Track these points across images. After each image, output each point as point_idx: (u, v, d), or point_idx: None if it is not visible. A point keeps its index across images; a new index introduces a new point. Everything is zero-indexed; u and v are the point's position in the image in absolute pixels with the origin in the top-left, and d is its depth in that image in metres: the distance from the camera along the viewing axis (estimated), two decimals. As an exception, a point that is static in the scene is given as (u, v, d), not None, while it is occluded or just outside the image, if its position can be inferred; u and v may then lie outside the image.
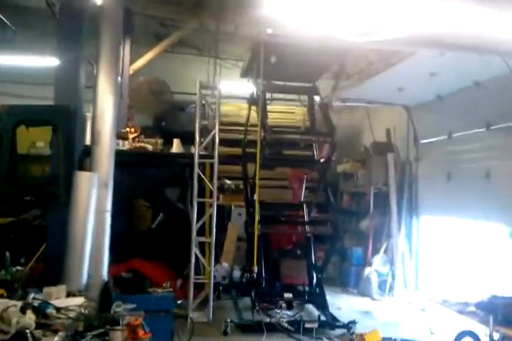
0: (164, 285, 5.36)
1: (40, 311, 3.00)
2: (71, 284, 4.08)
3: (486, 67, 6.44)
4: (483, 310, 4.18)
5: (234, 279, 8.26)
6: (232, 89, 9.73)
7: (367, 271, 8.74)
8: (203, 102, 8.54)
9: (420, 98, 8.74)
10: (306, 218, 7.81)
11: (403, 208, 9.17)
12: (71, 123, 4.65)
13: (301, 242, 7.81)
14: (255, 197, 6.67)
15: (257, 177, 6.65)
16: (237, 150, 11.13)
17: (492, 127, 7.03)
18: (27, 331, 2.63)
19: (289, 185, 10.03)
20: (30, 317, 2.80)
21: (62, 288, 3.63)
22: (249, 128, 11.05)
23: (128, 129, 8.22)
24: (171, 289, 5.34)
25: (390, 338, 5.92)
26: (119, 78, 9.06)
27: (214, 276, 8.05)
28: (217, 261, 8.23)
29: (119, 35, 5.07)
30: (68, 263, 4.25)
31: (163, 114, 10.76)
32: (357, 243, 9.78)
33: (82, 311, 3.30)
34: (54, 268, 4.32)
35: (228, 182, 9.90)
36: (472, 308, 4.37)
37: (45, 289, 3.53)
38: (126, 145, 7.67)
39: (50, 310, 3.09)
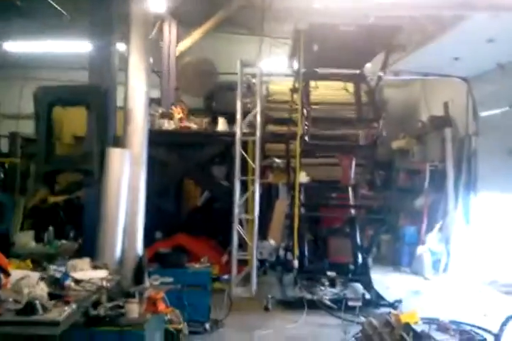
0: (202, 260, 5.44)
1: (58, 283, 3.13)
2: (105, 258, 4.22)
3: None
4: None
5: (280, 256, 8.25)
6: (282, 68, 9.55)
7: (420, 249, 8.42)
8: (250, 81, 8.49)
9: (479, 68, 8.15)
10: (352, 201, 7.56)
11: (460, 185, 8.69)
12: (103, 103, 4.76)
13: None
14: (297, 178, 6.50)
15: (297, 159, 6.44)
16: (287, 129, 11.07)
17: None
18: (36, 301, 2.74)
19: (338, 162, 9.79)
20: (42, 289, 2.93)
21: (86, 261, 3.76)
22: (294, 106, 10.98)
23: (174, 109, 8.36)
24: (209, 264, 5.41)
25: (438, 319, 5.70)
26: (167, 60, 9.32)
27: (261, 253, 8.12)
28: (264, 238, 8.28)
29: (149, 13, 5.06)
30: (102, 239, 4.40)
31: (212, 94, 10.83)
32: (411, 221, 9.42)
33: (104, 284, 3.39)
34: (90, 242, 4.50)
35: (277, 160, 9.82)
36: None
37: (70, 261, 3.68)
38: (172, 125, 7.78)
39: (69, 282, 3.21)
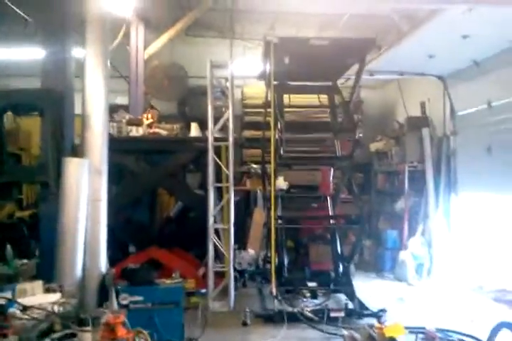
0: (174, 275, 5.09)
1: (1, 311, 2.76)
2: (64, 279, 3.85)
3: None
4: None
5: (260, 266, 7.93)
6: (256, 71, 9.30)
7: (402, 254, 8.19)
8: (223, 84, 8.17)
9: (454, 65, 8.00)
10: (331, 211, 7.31)
11: (440, 186, 8.51)
12: (58, 108, 4.41)
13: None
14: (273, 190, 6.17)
15: (272, 176, 6.15)
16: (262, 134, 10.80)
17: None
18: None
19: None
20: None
21: (38, 284, 3.39)
22: (269, 110, 10.71)
23: (143, 115, 8.00)
24: (181, 279, 5.05)
25: (424, 328, 5.46)
26: (135, 64, 8.97)
27: (240, 263, 7.79)
28: (244, 247, 7.96)
29: (106, 16, 4.74)
30: (60, 256, 4.03)
31: (185, 99, 10.51)
32: (392, 225, 9.21)
33: (56, 309, 3.03)
34: (48, 261, 4.12)
35: (255, 166, 9.54)
36: (511, 296, 3.82)
37: (19, 285, 3.30)
38: (140, 132, 7.42)
39: (13, 310, 2.84)
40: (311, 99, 9.41)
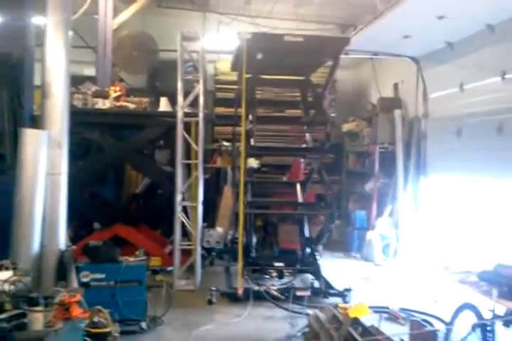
0: (137, 253, 4.96)
1: None
2: (19, 255, 3.68)
3: (499, 7, 5.67)
4: (487, 280, 3.66)
5: (228, 245, 7.86)
6: (231, 45, 9.07)
7: (370, 234, 8.25)
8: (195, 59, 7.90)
9: (429, 47, 7.94)
10: (300, 198, 7.24)
11: (410, 168, 8.55)
12: (17, 74, 4.13)
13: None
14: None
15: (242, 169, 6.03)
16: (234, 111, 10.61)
17: (507, 76, 6.28)
18: None
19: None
20: None
21: (-12, 261, 3.22)
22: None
23: (111, 88, 7.70)
24: (145, 257, 4.93)
25: (387, 307, 5.52)
26: (103, 34, 8.58)
27: (208, 241, 7.70)
28: (212, 225, 7.87)
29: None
30: (15, 232, 3.83)
31: (156, 73, 10.18)
32: (361, 206, 9.27)
33: (6, 288, 2.87)
34: (3, 237, 3.92)
35: (226, 144, 9.38)
36: (475, 278, 3.86)
37: (-33, 262, 3.12)
38: (106, 105, 7.14)
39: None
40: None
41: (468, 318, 3.67)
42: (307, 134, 7.41)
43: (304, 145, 7.62)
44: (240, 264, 5.73)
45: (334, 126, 9.89)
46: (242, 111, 5.98)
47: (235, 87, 10.30)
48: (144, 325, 4.77)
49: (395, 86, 9.45)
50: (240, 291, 5.61)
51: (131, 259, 4.81)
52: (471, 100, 7.12)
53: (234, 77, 10.45)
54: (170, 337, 4.74)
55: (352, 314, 3.47)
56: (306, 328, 4.43)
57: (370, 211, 8.75)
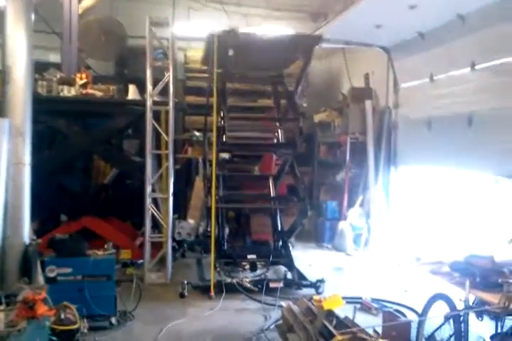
0: (106, 246, 4.79)
1: None
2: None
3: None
4: (459, 271, 3.67)
5: (200, 236, 7.75)
6: (201, 32, 8.86)
7: (341, 224, 8.28)
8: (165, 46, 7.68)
9: (400, 37, 7.91)
10: (272, 192, 7.16)
11: (381, 158, 8.59)
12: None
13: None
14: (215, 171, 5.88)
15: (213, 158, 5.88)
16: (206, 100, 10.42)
17: (477, 66, 6.33)
18: None
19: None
20: None
21: None
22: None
23: (78, 75, 7.41)
24: (114, 250, 4.77)
25: (360, 298, 5.54)
26: (68, 19, 8.23)
27: (179, 233, 7.57)
28: (184, 217, 7.74)
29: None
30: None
31: (124, 60, 9.88)
32: (332, 196, 9.28)
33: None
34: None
35: (197, 134, 9.20)
36: (447, 268, 3.87)
37: None
38: (72, 92, 6.86)
39: None
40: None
41: (440, 309, 3.68)
42: (279, 130, 7.27)
43: (275, 141, 7.46)
44: (212, 257, 5.63)
45: (306, 117, 9.87)
46: (214, 107, 5.84)
47: (206, 75, 10.29)
48: (113, 320, 4.64)
49: (366, 76, 9.44)
50: (212, 293, 5.52)
51: (100, 253, 4.65)
52: (441, 91, 7.16)
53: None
54: (141, 332, 4.62)
55: (326, 306, 3.43)
56: (280, 320, 4.38)
57: (341, 201, 8.78)
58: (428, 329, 3.89)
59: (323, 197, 9.51)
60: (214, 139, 5.89)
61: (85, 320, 3.99)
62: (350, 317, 3.86)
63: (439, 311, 3.73)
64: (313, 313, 3.58)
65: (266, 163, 8.39)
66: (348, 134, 8.88)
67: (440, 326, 3.59)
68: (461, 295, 3.49)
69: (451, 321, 3.39)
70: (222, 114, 6.33)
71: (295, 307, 3.83)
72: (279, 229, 6.79)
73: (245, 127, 8.26)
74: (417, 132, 7.76)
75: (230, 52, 5.87)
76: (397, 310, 5.03)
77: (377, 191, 8.41)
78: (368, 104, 8.89)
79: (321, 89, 11.13)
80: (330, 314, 3.46)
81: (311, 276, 6.18)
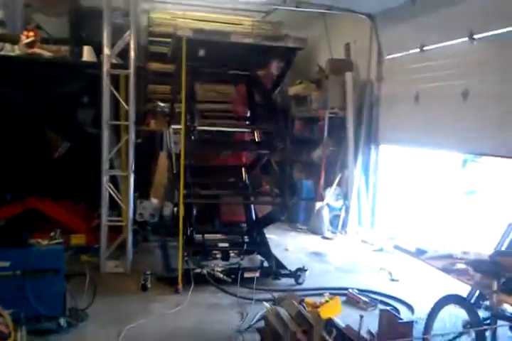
0: (52, 234, 4.00)
1: None
2: None
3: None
4: (484, 272, 3.08)
5: (164, 217, 7.01)
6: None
7: (318, 205, 7.71)
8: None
9: (387, 3, 7.23)
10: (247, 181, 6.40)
11: (361, 136, 8.00)
12: None
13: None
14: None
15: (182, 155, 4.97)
16: (172, 68, 9.52)
17: (476, 36, 5.74)
18: None
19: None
20: None
21: None
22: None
23: (25, 33, 6.40)
24: (61, 239, 3.98)
25: (345, 288, 5.01)
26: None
27: (141, 214, 6.82)
28: (145, 196, 6.97)
29: None
30: None
31: (81, 20, 8.80)
32: (308, 175, 8.68)
33: None
34: None
35: (161, 104, 8.36)
36: (461, 265, 3.32)
37: None
38: (16, 51, 5.88)
39: None
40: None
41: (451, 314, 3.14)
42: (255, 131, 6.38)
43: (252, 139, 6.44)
44: (180, 246, 4.92)
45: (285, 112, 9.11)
46: (182, 107, 5.00)
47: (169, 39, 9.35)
48: (62, 321, 3.89)
49: (347, 46, 8.76)
50: (180, 286, 4.83)
51: (45, 243, 3.86)
52: (433, 63, 6.57)
53: (170, 28, 9.40)
54: (95, 336, 3.90)
55: (324, 314, 2.81)
56: (261, 321, 3.76)
57: (317, 181, 8.19)
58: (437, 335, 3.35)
59: (297, 176, 8.87)
60: (182, 139, 5.01)
61: (23, 327, 3.24)
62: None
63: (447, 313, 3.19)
64: (307, 321, 2.96)
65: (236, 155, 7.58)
66: (326, 109, 8.22)
67: (457, 337, 3.04)
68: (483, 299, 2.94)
69: (473, 333, 2.81)
70: (190, 115, 5.42)
71: (282, 311, 3.19)
72: (253, 216, 6.10)
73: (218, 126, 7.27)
74: (402, 108, 7.19)
75: (201, 53, 5.09)
76: (392, 306, 4.50)
77: (356, 170, 7.85)
78: (349, 76, 8.23)
79: (296, 59, 10.35)
80: (329, 324, 2.85)
81: (289, 263, 5.61)
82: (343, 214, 7.72)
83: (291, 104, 9.96)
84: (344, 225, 7.67)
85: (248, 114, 6.78)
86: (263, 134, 6.14)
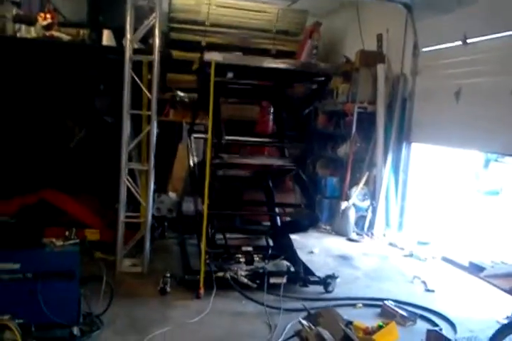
0: (67, 234, 3.65)
1: None
2: None
3: None
4: None
5: (183, 213, 6.65)
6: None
7: (343, 205, 7.29)
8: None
9: (429, -9, 6.77)
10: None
11: (392, 132, 7.55)
12: None
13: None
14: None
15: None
16: (195, 56, 9.12)
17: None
18: None
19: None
20: None
21: None
22: (208, 29, 8.98)
23: (42, 15, 6.03)
24: (77, 240, 3.63)
25: (379, 299, 4.62)
26: None
27: (158, 209, 6.47)
28: (164, 190, 6.62)
29: None
30: None
31: (100, 5, 8.40)
32: (332, 172, 8.27)
33: None
34: None
35: (181, 94, 7.97)
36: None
37: None
38: (32, 34, 5.51)
39: None
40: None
41: None
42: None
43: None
44: (203, 247, 4.56)
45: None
46: (209, 124, 4.60)
47: (194, 27, 8.93)
48: (75, 330, 3.54)
49: (379, 37, 8.27)
50: (202, 291, 4.48)
51: (59, 243, 3.51)
52: (477, 57, 6.09)
53: (192, 15, 9.00)
54: (110, 348, 3.57)
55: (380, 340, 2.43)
56: (296, 337, 3.38)
57: (342, 178, 7.77)
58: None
59: (321, 172, 8.49)
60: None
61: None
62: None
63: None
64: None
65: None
66: (355, 103, 7.78)
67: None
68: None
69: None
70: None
71: (327, 335, 2.79)
72: (278, 221, 5.71)
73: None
74: (441, 104, 6.72)
75: (229, 75, 4.76)
76: (426, 318, 4.11)
77: (386, 169, 7.42)
78: (381, 69, 7.78)
79: (320, 50, 9.91)
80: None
81: (316, 268, 5.23)
82: (369, 215, 7.31)
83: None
84: (370, 227, 7.26)
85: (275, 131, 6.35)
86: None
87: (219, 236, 5.35)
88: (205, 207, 4.48)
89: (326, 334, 2.77)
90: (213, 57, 4.43)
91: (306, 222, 5.34)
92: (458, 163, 7.47)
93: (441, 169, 7.40)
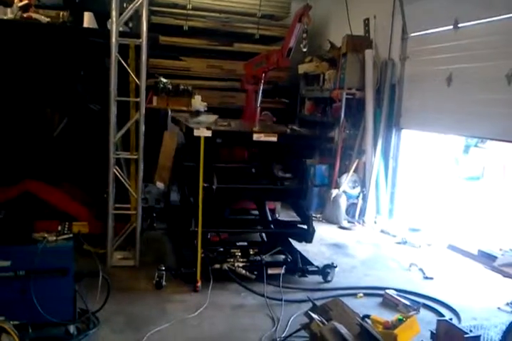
0: (60, 228, 3.43)
1: None
2: None
3: None
4: None
5: (171, 203, 6.45)
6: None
7: (334, 192, 7.21)
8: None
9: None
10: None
11: (381, 119, 7.47)
12: None
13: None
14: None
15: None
16: (177, 41, 8.84)
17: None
18: None
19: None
20: None
21: None
22: (190, 13, 8.68)
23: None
24: (71, 234, 3.41)
25: (379, 288, 4.56)
26: None
27: (145, 200, 6.26)
28: (150, 180, 6.39)
29: None
30: None
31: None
32: (320, 159, 8.16)
33: None
34: None
35: (164, 80, 7.70)
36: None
37: None
38: (8, 15, 5.17)
39: None
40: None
41: None
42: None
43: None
44: (199, 241, 4.39)
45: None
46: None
47: (175, 10, 8.61)
48: (71, 328, 3.36)
49: (365, 22, 8.14)
50: (199, 284, 4.33)
51: (52, 238, 3.29)
52: (468, 41, 6.02)
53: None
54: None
55: (403, 338, 2.33)
56: (304, 331, 3.27)
57: (332, 166, 7.68)
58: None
59: (310, 160, 8.35)
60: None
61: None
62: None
63: None
64: (377, 342, 2.47)
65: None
66: (343, 89, 7.66)
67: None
68: None
69: None
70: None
71: (342, 329, 2.67)
72: (268, 216, 5.54)
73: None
74: (431, 89, 6.65)
75: (219, 140, 4.60)
76: (430, 307, 4.07)
77: (375, 156, 7.35)
78: (369, 54, 7.66)
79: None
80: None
81: (312, 257, 5.15)
82: (360, 202, 7.25)
83: (300, 83, 9.39)
84: (361, 214, 7.20)
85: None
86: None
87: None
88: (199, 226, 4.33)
89: (342, 329, 2.65)
90: (202, 133, 4.39)
91: (300, 240, 5.18)
92: (440, 149, 7.49)
93: (426, 155, 7.40)
